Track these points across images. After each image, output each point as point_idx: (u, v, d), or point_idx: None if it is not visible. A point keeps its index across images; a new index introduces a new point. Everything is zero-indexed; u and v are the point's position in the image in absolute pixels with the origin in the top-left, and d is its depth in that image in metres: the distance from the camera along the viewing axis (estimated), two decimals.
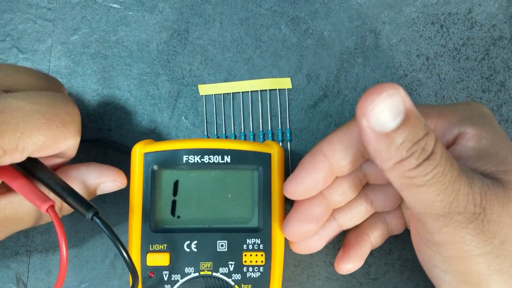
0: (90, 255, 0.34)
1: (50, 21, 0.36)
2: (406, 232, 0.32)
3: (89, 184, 0.29)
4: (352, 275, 0.34)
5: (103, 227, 0.26)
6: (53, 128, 0.25)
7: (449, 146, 0.27)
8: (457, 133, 0.27)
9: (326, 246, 0.34)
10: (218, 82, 0.36)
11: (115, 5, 0.36)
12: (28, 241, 0.34)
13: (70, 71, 0.35)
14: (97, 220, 0.26)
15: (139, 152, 0.30)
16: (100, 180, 0.29)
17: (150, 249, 0.29)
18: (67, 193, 0.26)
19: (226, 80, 0.36)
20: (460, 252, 0.23)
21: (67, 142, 0.26)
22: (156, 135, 0.35)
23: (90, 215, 0.26)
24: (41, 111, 0.25)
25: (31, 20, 0.36)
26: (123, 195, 0.32)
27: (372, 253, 0.34)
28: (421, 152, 0.22)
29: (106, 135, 0.35)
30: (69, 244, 0.34)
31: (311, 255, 0.34)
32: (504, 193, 0.24)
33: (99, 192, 0.30)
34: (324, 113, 0.35)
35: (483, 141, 0.26)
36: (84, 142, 0.34)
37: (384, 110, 0.22)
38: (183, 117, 0.35)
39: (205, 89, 0.35)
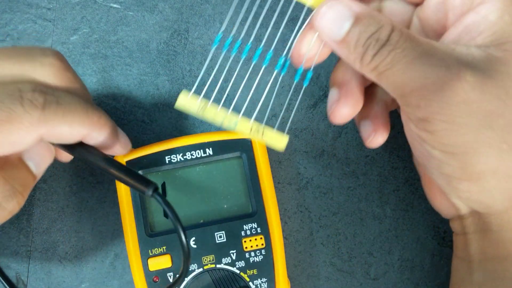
0: (90, 255, 0.34)
1: (50, 21, 0.36)
2: (406, 232, 0.33)
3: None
4: (352, 275, 0.34)
5: (163, 205, 0.26)
6: None
7: (471, 9, 0.25)
8: None
9: (326, 247, 0.34)
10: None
11: (115, 5, 0.36)
12: (28, 241, 0.34)
13: None
14: (157, 197, 0.26)
15: (120, 160, 0.30)
16: (91, 135, 0.26)
17: (150, 254, 0.29)
18: (124, 172, 0.26)
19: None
20: (442, 124, 0.23)
21: (13, 136, 0.23)
22: (156, 135, 0.35)
23: (150, 192, 0.26)
24: None
25: (31, 20, 0.36)
26: None
27: (372, 253, 0.34)
28: (375, 43, 0.23)
29: None
30: (69, 244, 0.34)
31: (310, 255, 0.34)
32: (487, 61, 0.23)
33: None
34: (324, 113, 0.35)
35: (506, 17, 0.24)
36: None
37: (330, 21, 0.24)
38: (183, 117, 0.35)
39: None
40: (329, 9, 0.24)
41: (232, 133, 0.31)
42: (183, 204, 0.30)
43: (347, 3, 0.24)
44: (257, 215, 0.30)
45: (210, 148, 0.30)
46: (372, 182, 0.35)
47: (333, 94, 0.28)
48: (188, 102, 0.26)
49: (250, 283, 0.29)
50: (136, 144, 0.35)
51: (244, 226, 0.30)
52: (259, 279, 0.30)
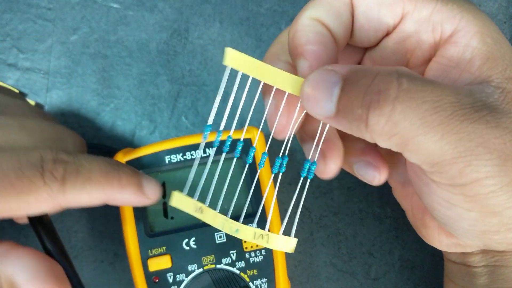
0: (90, 255, 0.34)
1: (50, 21, 0.36)
2: (406, 232, 0.33)
3: (15, 281, 0.23)
4: (353, 275, 0.34)
5: None
6: (14, 195, 0.22)
7: (445, 41, 0.23)
8: (456, 26, 0.22)
9: (327, 247, 0.34)
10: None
11: (115, 5, 0.36)
12: (28, 241, 0.34)
13: (70, 71, 0.35)
14: None
15: (120, 161, 0.30)
16: (27, 285, 0.23)
17: (150, 254, 0.29)
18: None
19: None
20: (488, 187, 0.20)
21: (40, 205, 0.23)
22: (156, 135, 0.35)
23: None
24: (4, 175, 0.22)
25: (31, 20, 0.36)
26: None
27: (372, 253, 0.34)
28: (377, 97, 0.19)
29: (105, 135, 0.35)
30: (69, 244, 0.34)
31: (311, 255, 0.34)
32: (509, 105, 0.21)
33: None
34: None
35: (488, 39, 0.22)
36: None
37: (315, 97, 0.20)
38: (183, 117, 0.35)
39: (234, 58, 0.22)
40: (310, 84, 0.20)
41: (233, 132, 0.31)
42: None
43: (330, 68, 0.20)
44: (258, 215, 0.30)
45: (210, 148, 0.30)
46: None
47: (311, 150, 0.24)
48: (183, 201, 0.24)
49: (250, 284, 0.29)
50: (136, 144, 0.35)
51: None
52: (259, 280, 0.30)
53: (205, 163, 0.25)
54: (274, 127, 0.23)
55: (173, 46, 0.36)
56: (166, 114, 0.35)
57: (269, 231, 0.25)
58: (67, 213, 0.34)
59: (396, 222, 0.35)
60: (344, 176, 0.35)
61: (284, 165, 0.24)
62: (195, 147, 0.30)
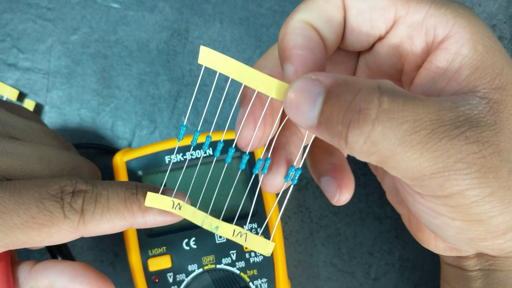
0: (90, 255, 0.34)
1: (50, 21, 0.36)
2: (406, 232, 0.32)
3: None
4: (353, 275, 0.34)
5: None
6: (35, 228, 0.22)
7: (436, 47, 0.23)
8: (448, 31, 0.22)
9: (327, 247, 0.34)
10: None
11: (115, 5, 0.36)
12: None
13: (70, 71, 0.35)
14: None
15: (120, 161, 0.30)
16: (69, 286, 0.24)
17: (150, 254, 0.29)
18: None
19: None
20: (470, 198, 0.21)
21: (61, 236, 0.23)
22: (156, 135, 0.35)
23: None
24: (23, 208, 0.22)
25: (31, 20, 0.36)
26: None
27: (372, 253, 0.34)
28: (356, 116, 0.19)
29: (106, 134, 0.35)
30: (69, 244, 0.33)
31: (311, 255, 0.34)
32: (495, 116, 0.21)
33: None
34: None
35: (479, 47, 0.21)
36: (84, 148, 0.34)
37: (299, 106, 0.20)
38: (183, 117, 0.35)
39: (208, 57, 0.21)
40: (293, 91, 0.20)
41: (232, 133, 0.31)
42: None
43: (314, 76, 0.20)
44: (257, 215, 0.30)
45: (210, 148, 0.30)
46: (372, 182, 0.35)
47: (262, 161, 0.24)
48: (159, 200, 0.23)
49: (250, 284, 0.29)
50: (136, 144, 0.35)
51: (244, 226, 0.30)
52: (259, 280, 0.30)
53: (196, 165, 0.25)
54: (240, 137, 0.23)
55: (173, 46, 0.36)
56: (166, 114, 0.35)
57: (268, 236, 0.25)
58: None
59: (396, 222, 0.35)
60: None
61: (297, 177, 0.23)
62: (195, 147, 0.30)
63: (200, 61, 0.21)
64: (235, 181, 0.31)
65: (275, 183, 0.24)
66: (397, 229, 0.35)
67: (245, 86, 0.22)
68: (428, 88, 0.23)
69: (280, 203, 0.32)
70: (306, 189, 0.35)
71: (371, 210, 0.35)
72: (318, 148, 0.26)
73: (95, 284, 0.24)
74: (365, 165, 0.35)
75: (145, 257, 0.29)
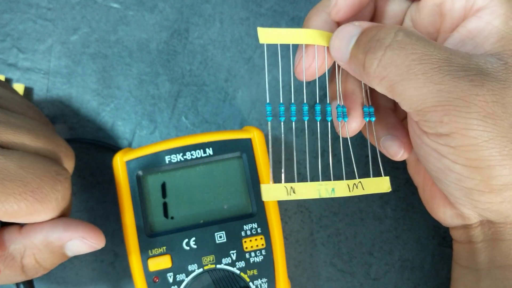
0: (90, 255, 0.34)
1: (50, 21, 0.36)
2: (406, 232, 0.33)
3: (51, 240, 0.25)
4: (353, 275, 0.34)
5: None
6: (30, 201, 0.23)
7: (472, 14, 0.25)
8: (487, 3, 0.24)
9: (327, 247, 0.34)
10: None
11: (115, 5, 0.36)
12: None
13: (70, 71, 0.35)
14: None
15: (120, 161, 0.30)
16: (64, 236, 0.25)
17: (150, 254, 0.29)
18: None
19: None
20: (468, 139, 0.22)
21: (41, 217, 0.25)
22: (156, 135, 0.35)
23: None
24: (26, 180, 0.23)
25: (31, 20, 0.36)
26: None
27: (372, 253, 0.34)
28: (376, 44, 0.23)
29: (106, 134, 0.35)
30: None
31: (311, 255, 0.34)
32: (507, 75, 0.23)
33: (69, 253, 0.26)
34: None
35: (510, 22, 0.24)
36: (82, 143, 0.34)
37: (338, 43, 0.24)
38: (183, 117, 0.35)
39: (267, 35, 0.24)
40: (337, 33, 0.24)
41: (232, 133, 0.31)
42: (183, 204, 0.30)
43: (355, 23, 0.24)
44: (257, 215, 0.30)
45: (210, 148, 0.30)
46: None
47: (336, 108, 0.27)
48: (274, 191, 0.24)
49: (250, 284, 0.29)
50: (136, 144, 0.35)
51: (244, 226, 0.30)
52: (259, 280, 0.30)
53: (196, 165, 0.25)
54: (301, 69, 0.26)
55: (173, 46, 0.36)
56: (166, 114, 0.35)
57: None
58: None
59: (396, 222, 0.35)
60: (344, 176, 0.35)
61: (373, 113, 0.27)
62: (195, 147, 0.30)
63: (261, 41, 0.24)
64: (235, 181, 0.31)
65: (356, 125, 0.27)
66: (397, 229, 0.35)
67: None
68: (456, 48, 0.25)
69: (280, 203, 0.32)
70: None
71: (371, 210, 0.35)
72: (376, 109, 0.29)
73: (86, 232, 0.26)
74: (365, 165, 0.35)
75: (145, 257, 0.29)
